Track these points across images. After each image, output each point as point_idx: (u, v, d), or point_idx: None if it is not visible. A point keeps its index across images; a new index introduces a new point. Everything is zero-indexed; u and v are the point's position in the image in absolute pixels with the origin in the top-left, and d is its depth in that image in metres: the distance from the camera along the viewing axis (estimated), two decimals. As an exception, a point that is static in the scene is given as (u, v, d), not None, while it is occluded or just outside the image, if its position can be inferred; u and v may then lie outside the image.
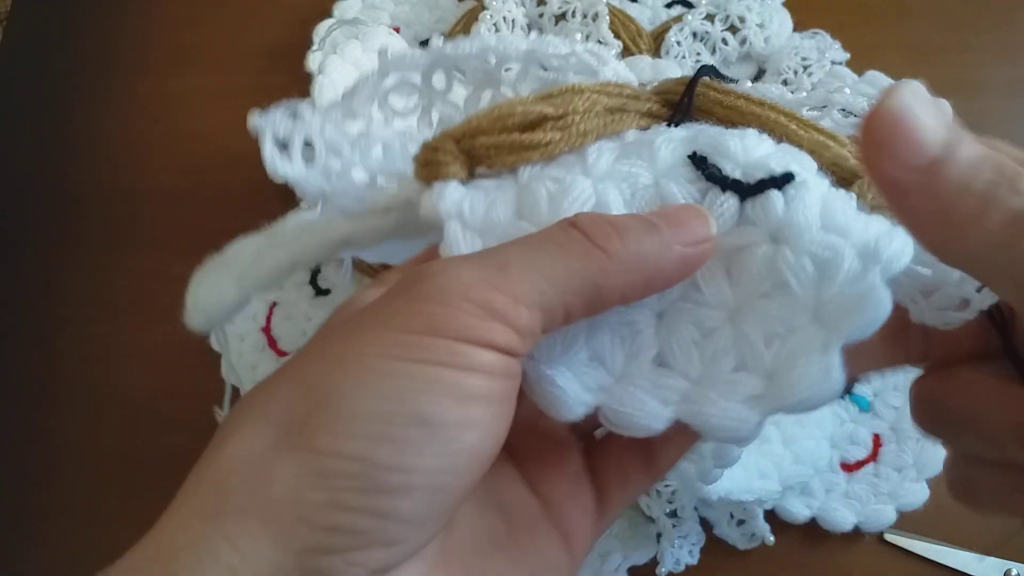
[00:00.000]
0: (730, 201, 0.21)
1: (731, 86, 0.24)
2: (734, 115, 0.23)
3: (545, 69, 0.24)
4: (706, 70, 0.24)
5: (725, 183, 0.21)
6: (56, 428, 0.49)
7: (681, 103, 0.24)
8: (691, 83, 0.24)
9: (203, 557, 0.17)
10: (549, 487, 0.24)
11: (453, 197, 0.22)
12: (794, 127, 0.23)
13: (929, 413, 0.22)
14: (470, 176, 0.23)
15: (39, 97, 0.58)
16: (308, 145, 0.23)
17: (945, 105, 0.19)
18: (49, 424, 0.49)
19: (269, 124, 0.22)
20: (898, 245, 0.20)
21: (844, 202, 0.21)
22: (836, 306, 0.20)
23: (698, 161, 0.22)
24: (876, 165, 0.18)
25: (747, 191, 0.21)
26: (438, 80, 0.24)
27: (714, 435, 0.20)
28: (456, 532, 0.21)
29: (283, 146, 0.23)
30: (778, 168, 0.21)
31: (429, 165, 0.22)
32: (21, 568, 0.47)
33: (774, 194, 0.21)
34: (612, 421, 0.21)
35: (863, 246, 0.20)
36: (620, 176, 0.22)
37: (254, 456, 0.18)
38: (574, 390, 0.21)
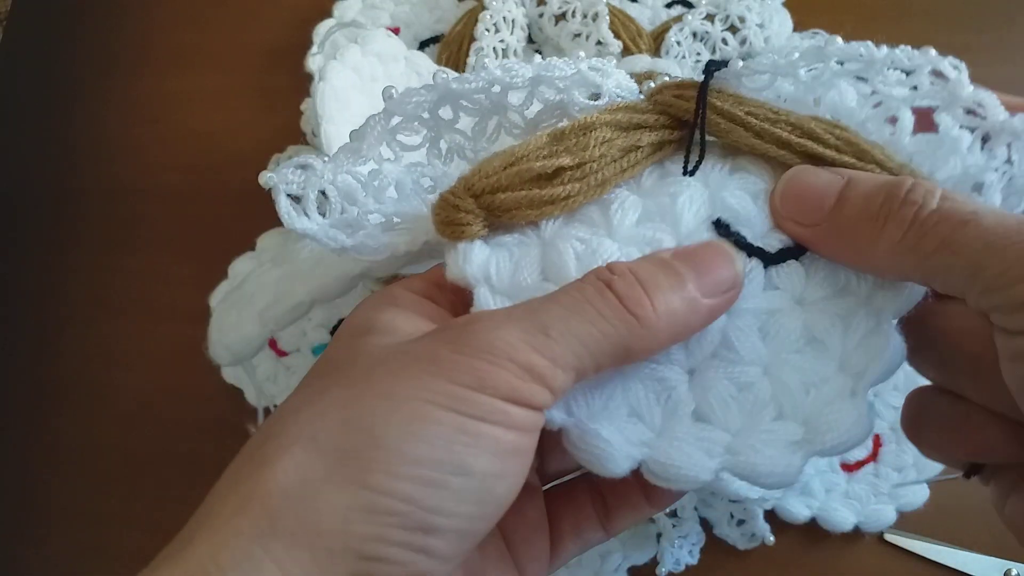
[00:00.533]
0: (757, 268, 0.23)
1: (733, 94, 0.24)
2: (736, 140, 0.24)
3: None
4: (709, 73, 0.24)
5: (751, 250, 0.23)
6: (56, 428, 0.49)
7: (691, 142, 0.24)
8: (698, 118, 0.24)
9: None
10: (512, 528, 0.26)
11: (479, 260, 0.23)
12: (787, 155, 0.24)
13: (914, 326, 0.23)
14: (489, 228, 0.23)
15: (39, 97, 0.58)
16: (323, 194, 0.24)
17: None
18: (49, 424, 0.49)
19: (282, 180, 0.23)
20: (903, 298, 0.23)
21: None
22: (859, 356, 0.22)
23: (722, 228, 0.23)
24: (791, 232, 0.23)
25: (770, 259, 0.23)
26: (445, 112, 0.24)
27: (762, 482, 0.21)
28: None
29: (298, 199, 0.23)
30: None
31: (451, 225, 0.23)
32: (21, 568, 0.47)
33: (794, 265, 0.23)
34: (658, 474, 0.22)
35: (872, 304, 0.23)
36: (644, 240, 0.23)
37: (306, 484, 0.18)
38: (620, 444, 0.22)
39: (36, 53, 0.59)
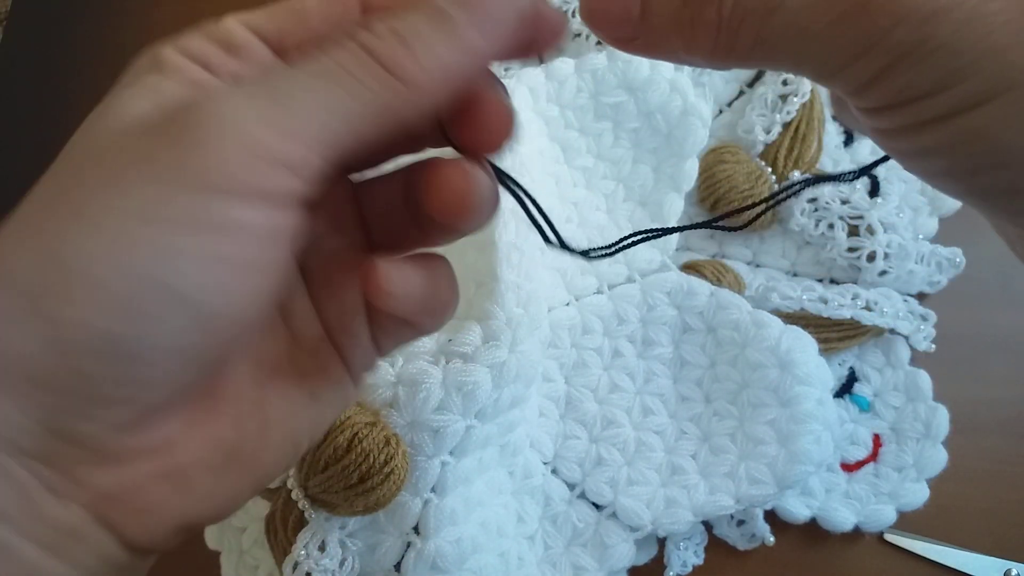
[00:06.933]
0: None
1: None
2: None
3: None
4: None
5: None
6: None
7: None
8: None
9: None
10: (330, 310, 0.23)
11: None
12: None
13: None
14: None
15: (39, 97, 0.58)
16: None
17: None
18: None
19: None
20: None
21: None
22: None
23: None
24: (613, 44, 0.20)
25: None
26: None
27: None
28: (231, 370, 0.21)
29: None
30: None
31: None
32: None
33: None
34: None
35: None
36: None
37: None
38: None
39: (36, 53, 0.59)
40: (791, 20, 0.17)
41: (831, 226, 0.41)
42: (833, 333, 0.40)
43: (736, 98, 0.46)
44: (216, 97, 0.17)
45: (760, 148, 0.44)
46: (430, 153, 0.22)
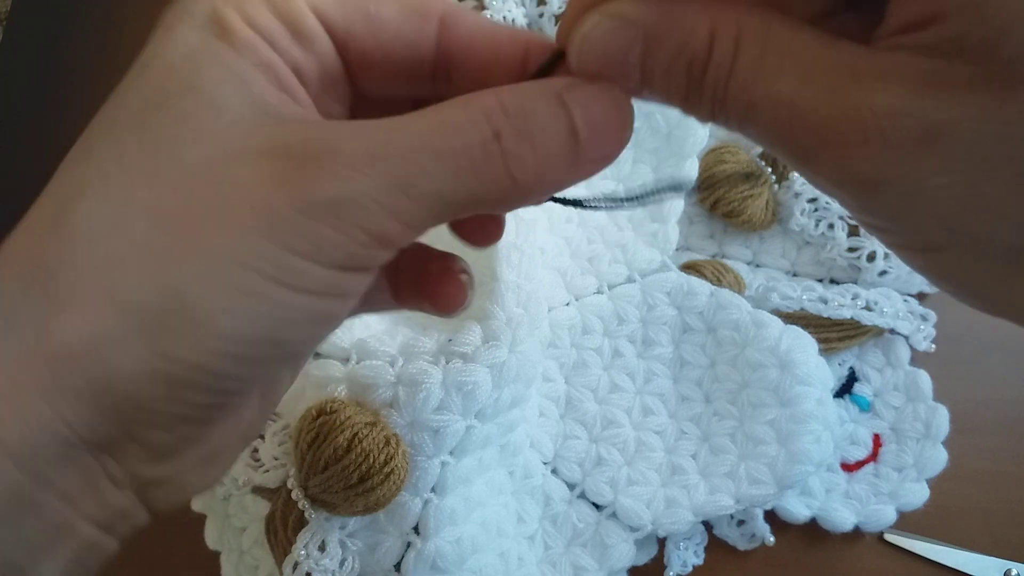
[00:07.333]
0: None
1: None
2: None
3: None
4: None
5: None
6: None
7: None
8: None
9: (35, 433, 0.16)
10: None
11: None
12: None
13: None
14: None
15: (39, 97, 0.58)
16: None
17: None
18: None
19: None
20: None
21: None
22: None
23: None
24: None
25: None
26: None
27: None
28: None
29: None
30: None
31: None
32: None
33: None
34: None
35: None
36: None
37: (96, 343, 0.16)
38: None
39: (36, 53, 0.59)
40: (764, 131, 0.17)
41: (831, 226, 0.41)
42: (833, 333, 0.40)
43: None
44: (343, 158, 0.17)
45: (760, 148, 0.44)
46: None
